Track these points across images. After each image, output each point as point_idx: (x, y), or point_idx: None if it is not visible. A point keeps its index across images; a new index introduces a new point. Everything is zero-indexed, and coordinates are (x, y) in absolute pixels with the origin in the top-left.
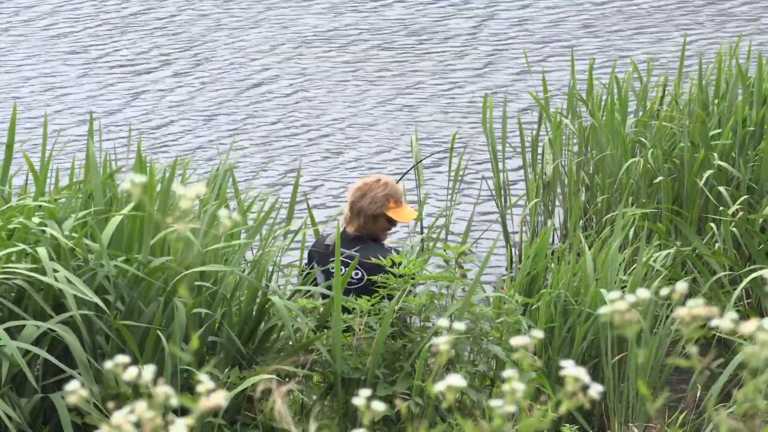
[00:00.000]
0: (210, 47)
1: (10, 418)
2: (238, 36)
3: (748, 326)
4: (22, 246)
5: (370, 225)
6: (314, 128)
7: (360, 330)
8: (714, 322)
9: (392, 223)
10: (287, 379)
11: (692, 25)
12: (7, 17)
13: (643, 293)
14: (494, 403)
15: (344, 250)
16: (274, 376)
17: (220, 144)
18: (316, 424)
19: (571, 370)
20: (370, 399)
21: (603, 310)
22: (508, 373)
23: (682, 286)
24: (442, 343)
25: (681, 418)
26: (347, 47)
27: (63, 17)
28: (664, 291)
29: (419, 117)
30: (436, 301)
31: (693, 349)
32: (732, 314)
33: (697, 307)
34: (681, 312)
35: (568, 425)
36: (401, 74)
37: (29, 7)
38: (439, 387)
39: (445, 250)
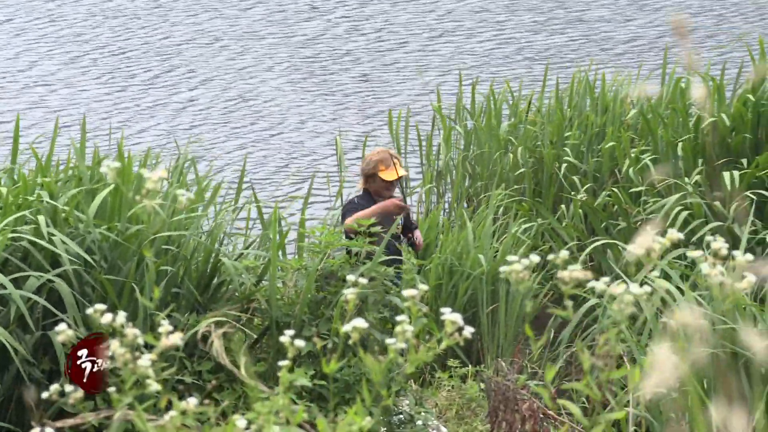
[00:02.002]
0: (208, 70)
1: (16, 351)
2: (227, 64)
3: (618, 288)
4: (25, 213)
5: (370, 183)
6: (266, 130)
7: (291, 284)
8: (590, 284)
9: (387, 181)
10: (236, 322)
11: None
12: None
13: (534, 258)
14: (389, 340)
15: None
16: (221, 319)
17: (182, 139)
18: (254, 360)
19: (449, 315)
20: (293, 337)
21: (503, 268)
22: (400, 318)
23: (565, 252)
24: (350, 293)
25: (537, 354)
26: (310, 75)
27: (78, 47)
28: (534, 258)
29: (346, 122)
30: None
31: (569, 303)
32: (604, 279)
33: (575, 270)
34: (563, 273)
35: (452, 359)
36: (334, 91)
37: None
38: (347, 327)
39: (357, 223)
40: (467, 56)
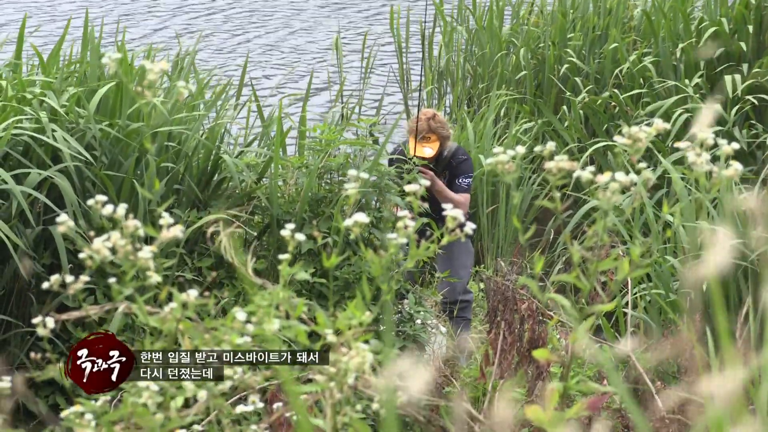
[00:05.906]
0: None
1: (16, 246)
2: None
3: (603, 177)
4: (29, 111)
5: None
6: (267, 30)
7: (292, 182)
8: (575, 174)
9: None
10: (234, 219)
11: None
12: None
13: (519, 149)
14: (390, 235)
15: None
16: (224, 217)
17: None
18: (254, 257)
19: (450, 211)
20: (293, 231)
21: (489, 160)
22: (402, 213)
23: (551, 144)
24: (350, 188)
25: (537, 254)
26: None
27: None
28: (537, 148)
29: (343, 20)
30: (350, 161)
31: (557, 194)
32: (590, 168)
33: (562, 161)
34: (549, 164)
35: None
36: None
37: None
38: (348, 222)
39: (359, 122)
40: None
